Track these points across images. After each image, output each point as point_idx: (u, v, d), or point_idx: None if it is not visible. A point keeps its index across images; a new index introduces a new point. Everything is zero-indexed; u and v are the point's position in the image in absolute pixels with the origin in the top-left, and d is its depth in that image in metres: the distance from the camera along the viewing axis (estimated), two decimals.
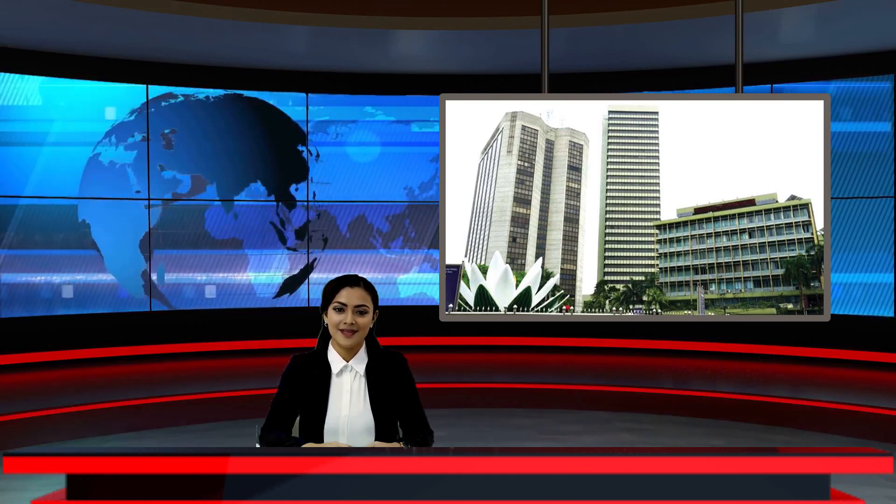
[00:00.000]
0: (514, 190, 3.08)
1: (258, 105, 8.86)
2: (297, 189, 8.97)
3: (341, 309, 3.29)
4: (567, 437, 7.41)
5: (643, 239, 3.07)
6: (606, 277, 3.07)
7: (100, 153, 8.39)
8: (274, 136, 8.91)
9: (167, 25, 7.05)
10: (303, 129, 8.94)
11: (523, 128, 3.08)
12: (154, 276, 8.61)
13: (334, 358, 3.35)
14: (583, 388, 8.56)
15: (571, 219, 3.09)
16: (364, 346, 3.39)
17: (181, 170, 8.72)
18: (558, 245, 3.08)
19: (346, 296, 3.30)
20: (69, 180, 8.28)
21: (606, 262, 3.07)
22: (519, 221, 3.08)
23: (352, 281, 3.35)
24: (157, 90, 8.46)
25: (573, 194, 3.09)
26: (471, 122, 3.07)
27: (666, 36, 7.41)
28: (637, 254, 3.07)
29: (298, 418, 3.38)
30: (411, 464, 2.54)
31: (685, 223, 3.05)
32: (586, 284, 3.08)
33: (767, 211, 3.02)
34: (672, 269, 3.06)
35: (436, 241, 9.06)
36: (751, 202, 3.03)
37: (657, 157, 3.08)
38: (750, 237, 3.04)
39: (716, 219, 3.04)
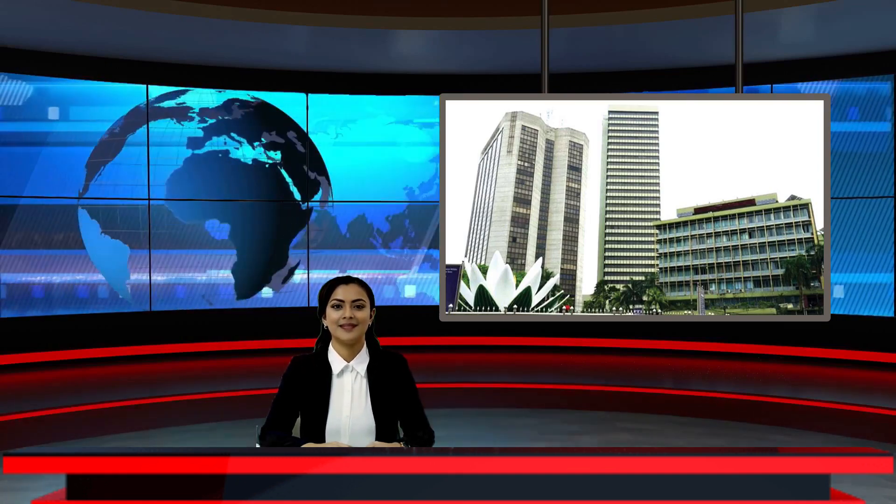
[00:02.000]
0: (514, 190, 3.08)
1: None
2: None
3: (339, 305, 3.32)
4: (567, 437, 7.41)
5: (643, 239, 3.07)
6: (606, 277, 3.07)
7: (228, 151, 8.63)
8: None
9: (167, 25, 7.05)
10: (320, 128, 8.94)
11: (523, 128, 3.08)
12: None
13: (335, 359, 3.36)
14: (583, 388, 8.56)
15: (571, 219, 3.09)
16: (364, 346, 3.39)
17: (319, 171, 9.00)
18: (558, 245, 3.08)
19: (343, 292, 3.33)
20: (216, 180, 8.61)
21: (606, 262, 3.07)
22: (519, 221, 3.08)
23: (345, 279, 3.40)
24: (157, 90, 8.46)
25: (573, 194, 3.09)
26: (471, 122, 3.07)
27: (666, 36, 7.41)
28: (637, 254, 3.07)
29: (299, 419, 3.38)
30: (411, 464, 2.54)
31: (685, 223, 3.05)
32: (586, 284, 3.08)
33: (767, 211, 3.02)
34: (672, 269, 3.06)
35: (436, 241, 9.06)
36: (751, 202, 3.03)
37: (657, 157, 3.08)
38: (750, 237, 3.04)
39: (716, 219, 3.04)
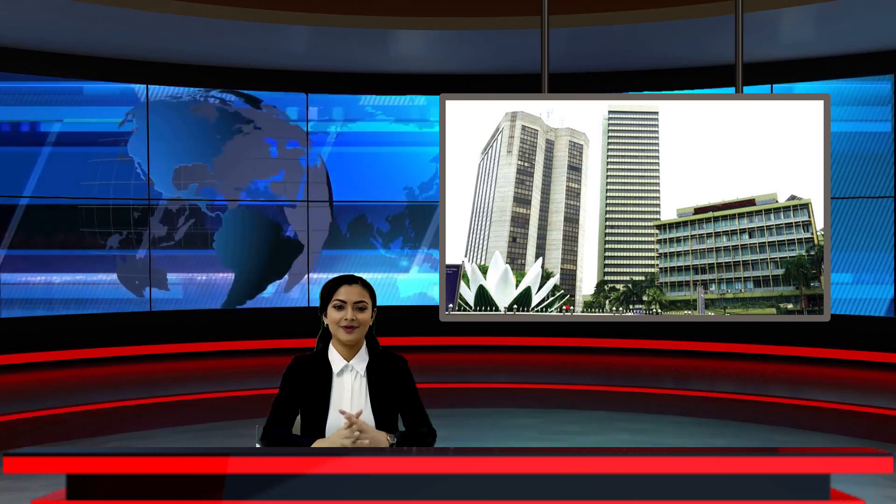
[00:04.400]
0: (514, 190, 3.08)
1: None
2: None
3: (341, 306, 3.31)
4: (567, 437, 7.41)
5: (643, 239, 3.07)
6: (606, 277, 3.07)
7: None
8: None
9: (167, 25, 7.05)
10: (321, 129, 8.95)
11: (523, 128, 3.09)
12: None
13: (335, 358, 3.36)
14: (583, 388, 8.56)
15: (571, 219, 3.09)
16: (364, 345, 3.39)
17: None
18: (558, 245, 3.08)
19: (345, 293, 3.31)
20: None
21: (606, 262, 3.07)
22: (519, 221, 3.08)
23: (349, 279, 3.37)
24: (157, 90, 8.46)
25: (573, 194, 3.09)
26: (471, 122, 3.07)
27: (666, 36, 7.41)
28: (637, 254, 3.07)
29: (299, 418, 3.38)
30: (411, 464, 2.54)
31: (685, 223, 3.05)
32: (586, 284, 3.08)
33: (767, 211, 3.02)
34: (672, 269, 3.07)
35: (436, 241, 9.06)
36: (751, 202, 3.03)
37: (657, 157, 3.08)
38: (750, 237, 3.04)
39: (716, 219, 3.05)
